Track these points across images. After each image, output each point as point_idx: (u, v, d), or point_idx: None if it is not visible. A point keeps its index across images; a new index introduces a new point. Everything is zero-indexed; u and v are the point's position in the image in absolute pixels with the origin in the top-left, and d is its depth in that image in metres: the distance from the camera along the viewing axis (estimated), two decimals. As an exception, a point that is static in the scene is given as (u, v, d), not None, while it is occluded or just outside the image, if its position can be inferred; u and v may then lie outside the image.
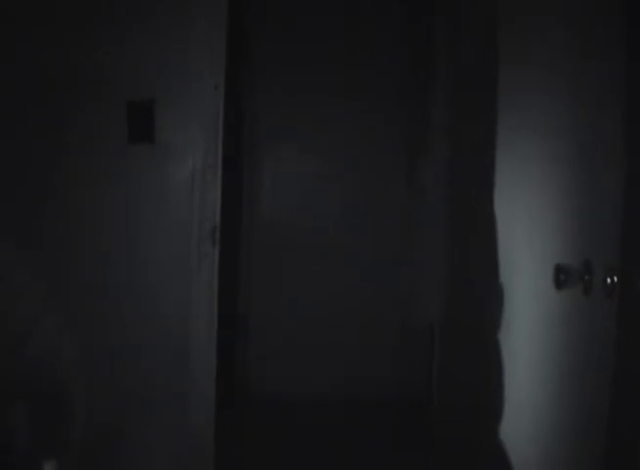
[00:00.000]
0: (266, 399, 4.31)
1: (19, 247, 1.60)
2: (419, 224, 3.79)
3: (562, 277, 1.73)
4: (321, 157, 4.62)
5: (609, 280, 1.61)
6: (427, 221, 3.42)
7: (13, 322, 1.58)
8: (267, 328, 4.55)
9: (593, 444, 1.70)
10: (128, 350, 2.26)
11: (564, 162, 1.91)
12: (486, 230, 2.51)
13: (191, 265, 2.24)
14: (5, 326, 1.57)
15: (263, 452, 3.51)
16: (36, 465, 1.66)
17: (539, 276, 1.93)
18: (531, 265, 2.08)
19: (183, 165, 2.25)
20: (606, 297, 1.63)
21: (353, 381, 4.49)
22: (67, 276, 2.21)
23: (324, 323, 4.53)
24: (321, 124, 4.59)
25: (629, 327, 1.69)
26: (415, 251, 3.84)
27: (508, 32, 2.43)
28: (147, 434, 2.29)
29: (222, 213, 2.30)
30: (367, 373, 4.50)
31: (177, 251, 2.26)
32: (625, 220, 1.67)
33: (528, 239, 2.13)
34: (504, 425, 2.29)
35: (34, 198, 2.23)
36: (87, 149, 2.23)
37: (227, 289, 2.85)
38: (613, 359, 1.67)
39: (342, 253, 4.58)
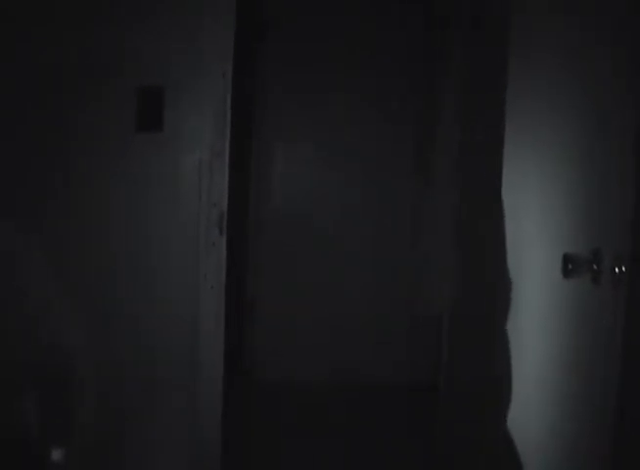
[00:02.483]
0: (273, 386, 4.32)
1: (27, 232, 1.61)
2: (428, 214, 3.80)
3: (570, 266, 1.74)
4: (330, 149, 4.61)
5: (617, 269, 1.61)
6: (435, 212, 3.43)
7: (22, 312, 1.58)
8: (275, 316, 4.56)
9: (601, 431, 1.70)
10: (136, 336, 2.26)
11: (574, 151, 1.91)
12: (495, 220, 2.51)
13: (199, 253, 2.25)
14: (15, 316, 1.56)
15: (269, 438, 3.54)
16: (44, 454, 1.66)
17: (548, 265, 1.94)
18: (541, 255, 2.08)
19: (191, 153, 2.25)
20: (614, 285, 1.63)
21: (360, 369, 4.50)
22: (75, 264, 2.20)
23: (331, 312, 4.54)
24: (330, 119, 4.58)
25: (638, 315, 1.69)
26: (423, 241, 3.85)
27: (519, 30, 2.44)
28: (156, 419, 2.29)
29: (230, 203, 2.30)
30: (375, 362, 4.52)
31: (185, 238, 2.26)
32: (635, 209, 1.67)
33: (538, 228, 2.14)
34: (511, 413, 2.29)
35: (43, 185, 2.23)
36: (95, 137, 2.23)
37: (235, 277, 2.86)
38: (621, 347, 1.67)
39: (350, 243, 4.59)
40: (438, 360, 3.44)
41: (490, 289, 2.56)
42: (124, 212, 2.26)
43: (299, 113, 4.62)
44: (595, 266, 1.68)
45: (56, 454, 1.72)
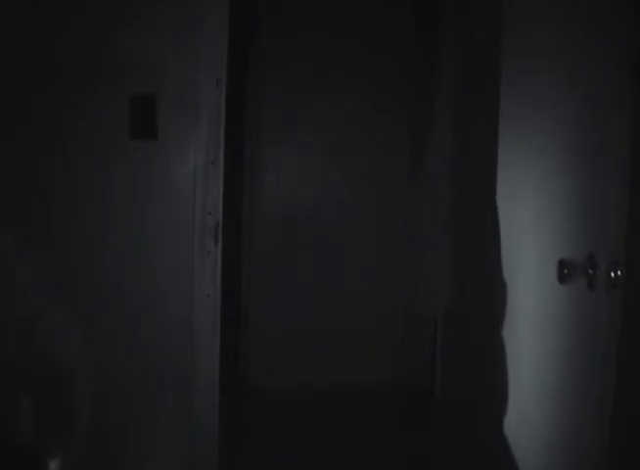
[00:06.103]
0: (269, 392, 4.32)
1: (23, 239, 1.61)
2: (423, 216, 3.79)
3: (565, 271, 1.74)
4: (324, 152, 4.59)
5: (612, 274, 1.62)
6: (431, 214, 3.43)
7: (18, 313, 1.58)
8: (270, 322, 4.54)
9: (598, 435, 1.70)
10: (132, 345, 2.26)
11: (568, 157, 1.91)
12: (491, 224, 2.51)
13: (194, 262, 2.25)
14: (10, 317, 1.56)
15: (267, 443, 3.53)
16: (41, 456, 1.65)
17: (544, 271, 1.94)
18: (536, 259, 2.09)
19: (185, 162, 2.25)
20: (610, 290, 1.64)
21: (356, 372, 4.49)
22: (70, 270, 2.20)
23: (326, 317, 4.53)
24: (324, 121, 4.56)
25: (633, 320, 1.69)
26: (419, 243, 3.84)
27: (512, 29, 2.44)
28: (151, 430, 2.29)
29: (224, 210, 2.30)
30: (370, 365, 4.51)
31: (180, 247, 2.25)
32: (629, 214, 1.68)
33: (533, 233, 2.14)
34: (507, 418, 2.29)
35: (37, 195, 2.23)
36: (89, 146, 2.23)
37: (230, 283, 2.85)
38: (617, 352, 1.67)
39: (344, 246, 4.57)
40: (434, 364, 3.45)
41: (486, 293, 2.57)
42: (120, 220, 2.26)
43: (294, 116, 4.60)
44: (590, 271, 1.68)
45: (53, 464, 1.72)
